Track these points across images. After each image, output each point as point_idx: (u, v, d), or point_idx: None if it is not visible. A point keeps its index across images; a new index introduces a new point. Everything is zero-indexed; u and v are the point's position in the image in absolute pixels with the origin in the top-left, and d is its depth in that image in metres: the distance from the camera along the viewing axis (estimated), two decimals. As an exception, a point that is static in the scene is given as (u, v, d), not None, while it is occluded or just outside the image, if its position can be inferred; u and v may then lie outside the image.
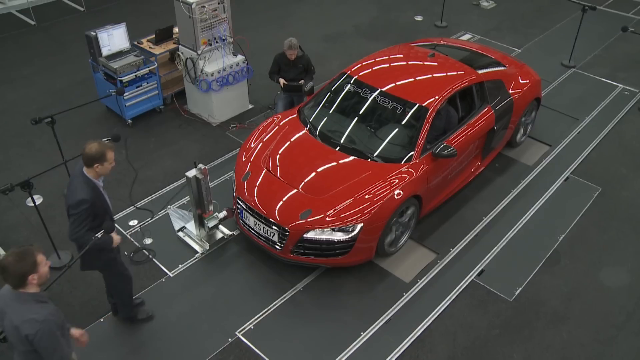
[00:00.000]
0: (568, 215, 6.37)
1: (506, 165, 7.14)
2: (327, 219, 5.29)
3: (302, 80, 7.18)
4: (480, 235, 6.09)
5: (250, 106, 8.33)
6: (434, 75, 6.47)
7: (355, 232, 5.29)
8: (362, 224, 5.28)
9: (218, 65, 7.54)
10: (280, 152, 5.96)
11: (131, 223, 6.18)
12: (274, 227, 5.40)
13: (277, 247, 5.45)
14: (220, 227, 6.01)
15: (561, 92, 8.69)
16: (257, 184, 5.69)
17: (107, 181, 6.75)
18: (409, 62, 6.85)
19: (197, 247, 5.87)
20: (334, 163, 5.77)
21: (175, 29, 8.06)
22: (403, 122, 5.96)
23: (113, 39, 7.41)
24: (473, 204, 6.53)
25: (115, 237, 4.40)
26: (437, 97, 6.02)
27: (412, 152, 5.76)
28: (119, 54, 7.48)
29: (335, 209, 5.33)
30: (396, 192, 5.41)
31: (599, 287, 5.54)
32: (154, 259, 5.73)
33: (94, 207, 4.20)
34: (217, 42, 7.47)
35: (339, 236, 5.29)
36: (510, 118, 6.81)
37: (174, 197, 6.57)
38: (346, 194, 5.42)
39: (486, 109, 6.51)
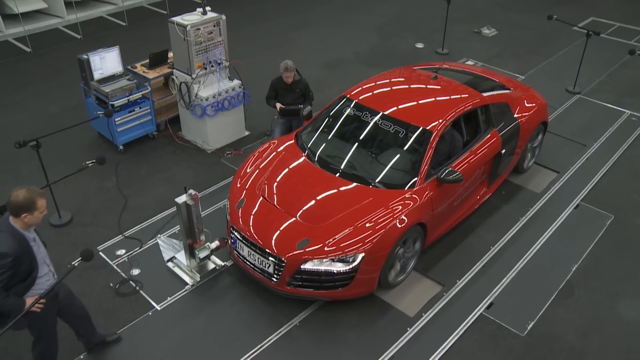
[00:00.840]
0: (580, 244, 6.04)
1: (513, 192, 6.83)
2: (325, 248, 4.95)
3: (301, 105, 6.94)
4: (488, 266, 5.74)
5: (247, 133, 8.08)
6: (437, 98, 6.22)
7: (356, 263, 4.95)
8: (363, 254, 4.94)
9: (213, 89, 7.31)
10: (276, 178, 5.66)
11: (118, 253, 5.84)
12: (269, 257, 5.06)
13: (273, 279, 5.10)
14: (212, 257, 5.66)
15: (567, 118, 8.45)
16: (252, 212, 5.38)
17: (95, 209, 6.51)
18: (411, 85, 6.61)
19: (187, 279, 5.51)
20: (334, 190, 5.47)
21: (170, 54, 7.87)
22: (406, 147, 5.68)
23: (105, 62, 7.20)
24: (480, 232, 6.19)
25: (28, 301, 3.78)
26: (441, 120, 5.75)
27: (415, 178, 5.47)
28: (111, 78, 7.26)
29: (335, 238, 5.00)
30: (399, 219, 5.10)
31: (618, 320, 5.17)
32: (140, 291, 5.37)
33: (17, 263, 3.67)
34: (212, 66, 7.25)
35: (338, 267, 4.95)
36: (517, 142, 6.54)
37: (165, 225, 6.24)
38: (346, 222, 5.10)
39: (492, 132, 6.24)
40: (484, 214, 6.44)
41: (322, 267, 4.96)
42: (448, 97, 6.18)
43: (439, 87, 6.44)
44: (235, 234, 5.36)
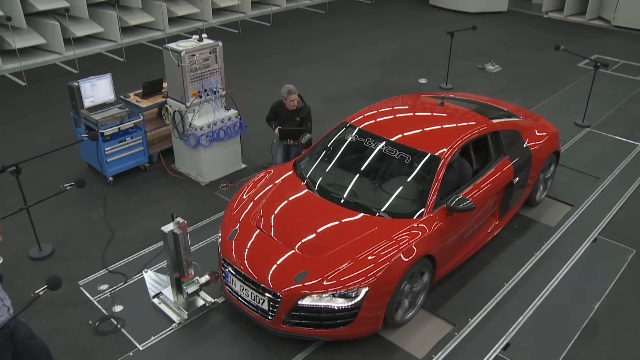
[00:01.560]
0: (601, 279, 5.57)
1: (526, 226, 6.41)
2: (325, 282, 4.50)
3: (301, 127, 6.63)
4: (502, 303, 5.26)
5: (243, 165, 7.72)
6: (444, 125, 5.89)
7: (359, 298, 4.48)
8: (367, 289, 4.48)
9: (208, 118, 6.99)
10: (273, 208, 5.26)
11: (101, 288, 5.38)
12: (263, 292, 4.60)
13: (268, 317, 4.63)
14: (202, 293, 5.20)
15: (578, 151, 8.11)
16: (246, 243, 4.95)
17: (79, 241, 6.08)
18: (417, 112, 6.29)
19: (173, 316, 5.03)
20: (335, 220, 5.06)
21: (165, 84, 7.61)
22: (412, 174, 5.30)
23: (97, 89, 6.92)
24: (492, 268, 5.74)
25: None
26: (449, 146, 5.40)
27: (423, 207, 5.06)
28: (102, 106, 6.96)
29: (336, 271, 4.56)
30: (406, 251, 4.67)
31: (650, 364, 4.67)
32: (122, 329, 4.88)
33: None
34: (207, 95, 6.96)
35: (340, 303, 4.48)
36: (529, 172, 6.16)
37: (152, 260, 5.80)
38: (348, 254, 4.66)
39: (503, 161, 5.87)
40: (496, 249, 6.00)
41: (322, 303, 4.49)
42: (455, 124, 5.85)
43: (445, 114, 6.12)
44: (227, 267, 4.93)
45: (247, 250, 4.89)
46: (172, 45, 6.71)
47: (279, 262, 4.71)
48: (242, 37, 13.60)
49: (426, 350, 4.75)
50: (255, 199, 5.43)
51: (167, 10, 13.17)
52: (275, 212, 5.21)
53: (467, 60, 11.95)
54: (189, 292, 4.97)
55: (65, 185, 4.59)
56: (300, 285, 4.51)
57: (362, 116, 6.06)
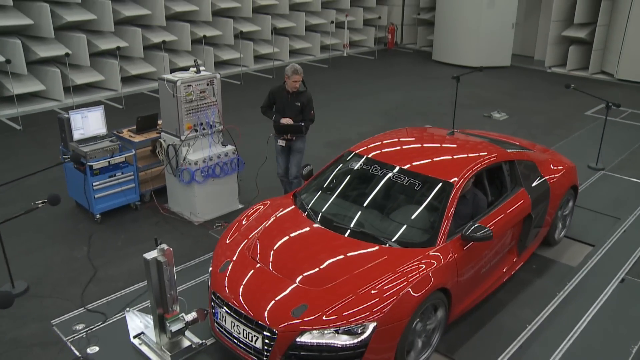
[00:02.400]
0: (636, 321, 4.99)
1: (545, 266, 5.89)
2: (327, 316, 3.96)
3: (302, 123, 6.38)
4: (525, 347, 4.67)
5: (240, 206, 7.27)
6: (456, 153, 5.50)
7: (365, 335, 3.93)
8: (375, 324, 3.94)
9: (204, 153, 6.63)
10: (270, 238, 4.79)
11: (76, 327, 4.82)
12: (256, 329, 4.06)
13: (262, 358, 4.05)
14: (188, 333, 4.63)
15: (594, 193, 7.68)
16: (238, 275, 4.45)
17: (57, 279, 5.53)
18: (425, 141, 5.93)
19: (154, 358, 4.45)
20: (339, 250, 4.57)
21: (160, 122, 7.30)
22: (424, 202, 4.86)
23: (87, 121, 6.59)
24: (511, 309, 5.18)
25: None
26: (462, 172, 4.99)
27: (436, 236, 4.59)
28: (93, 139, 6.62)
29: (340, 304, 4.03)
30: (419, 282, 4.16)
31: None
32: (95, 373, 4.30)
33: None
34: (203, 129, 6.62)
35: (343, 340, 3.93)
36: (547, 206, 5.70)
37: (136, 299, 5.26)
38: (354, 285, 4.15)
39: (520, 192, 5.43)
40: (514, 289, 5.46)
41: (323, 341, 3.94)
42: (467, 154, 5.43)
43: (455, 144, 5.74)
44: (217, 301, 4.40)
45: (239, 282, 4.39)
46: (168, 75, 6.46)
47: (275, 295, 4.19)
48: (243, 87, 13.51)
49: (442, 399, 4.15)
50: (251, 230, 4.96)
51: (169, 61, 13.13)
52: (273, 243, 4.73)
53: (473, 109, 11.74)
54: (173, 331, 4.40)
55: (37, 202, 4.16)
56: (299, 320, 3.97)
57: (366, 147, 5.68)
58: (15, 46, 10.67)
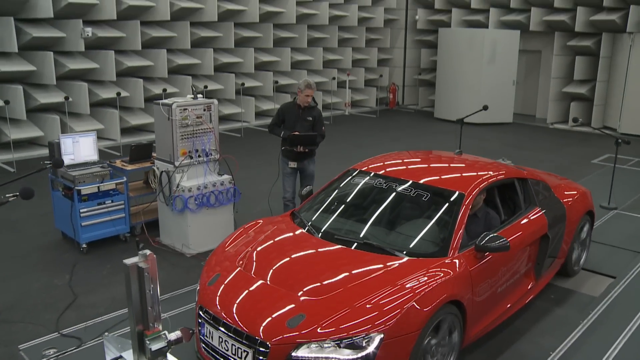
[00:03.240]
0: (671, 350, 4.49)
1: (564, 296, 5.43)
2: (327, 328, 3.51)
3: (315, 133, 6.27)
4: (552, 374, 4.16)
5: (237, 240, 6.87)
6: (465, 170, 5.21)
7: (371, 349, 3.46)
8: (381, 335, 3.48)
9: (198, 181, 6.32)
10: (265, 251, 4.40)
11: (47, 352, 4.32)
12: (247, 342, 3.59)
13: (251, 377, 3.57)
14: (170, 356, 4.11)
15: (609, 229, 7.29)
16: (228, 287, 4.04)
17: (32, 305, 5.04)
18: (432, 160, 5.67)
19: (131, 382, 3.92)
20: (343, 261, 4.18)
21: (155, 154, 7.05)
22: (434, 215, 4.51)
23: (79, 147, 6.34)
24: (531, 337, 4.69)
25: None
26: (474, 184, 4.67)
27: (447, 247, 4.20)
28: (83, 165, 6.33)
29: (342, 312, 3.59)
30: (430, 291, 3.74)
31: None
32: (62, 398, 3.78)
33: None
34: (199, 156, 6.35)
35: (346, 355, 3.45)
36: (564, 228, 5.31)
37: (117, 324, 4.78)
38: (359, 293, 3.73)
39: (534, 210, 5.07)
40: (533, 317, 4.99)
41: (323, 355, 3.46)
42: (476, 171, 5.12)
43: (464, 164, 5.45)
44: (204, 316, 3.94)
45: (229, 294, 3.97)
46: (165, 100, 6.27)
47: (268, 306, 3.76)
48: (244, 139, 13.39)
49: None
50: (246, 245, 4.56)
51: (170, 113, 13.08)
52: (270, 257, 4.33)
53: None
54: (153, 349, 3.86)
55: (7, 195, 3.80)
56: (295, 331, 3.51)
57: (370, 165, 5.37)
58: (17, 92, 10.63)
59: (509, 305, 4.66)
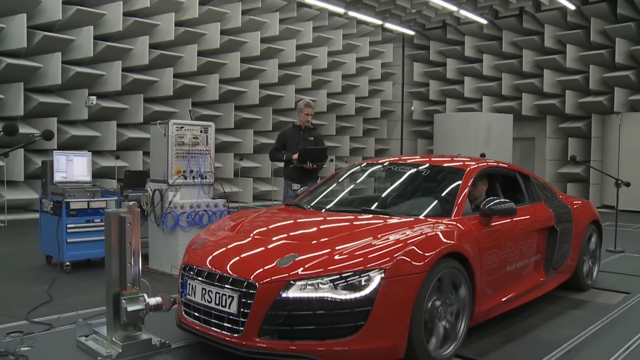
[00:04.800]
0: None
1: (579, 304, 5.03)
2: (321, 264, 3.21)
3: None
4: (574, 352, 3.72)
5: (229, 270, 6.51)
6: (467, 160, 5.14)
7: (371, 288, 3.12)
8: (382, 275, 3.16)
9: (191, 199, 6.14)
10: (258, 219, 4.25)
11: (12, 335, 3.90)
12: (232, 287, 3.26)
13: (238, 329, 3.18)
14: (149, 332, 3.72)
15: (618, 265, 6.97)
16: (215, 243, 3.78)
17: (2, 304, 4.65)
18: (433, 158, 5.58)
19: (100, 350, 3.50)
20: (341, 222, 4.01)
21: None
22: (437, 187, 4.42)
23: (72, 166, 6.21)
24: (548, 327, 4.28)
25: None
26: (476, 165, 4.57)
27: (451, 209, 4.02)
28: (74, 184, 6.15)
29: (338, 251, 3.31)
30: (434, 236, 3.49)
31: None
32: (21, 363, 3.34)
33: None
34: (193, 177, 6.23)
35: (342, 295, 3.11)
36: (571, 229, 5.05)
37: (95, 317, 4.36)
38: (357, 237, 3.50)
39: (540, 203, 4.89)
40: (548, 315, 4.59)
41: (315, 295, 3.12)
42: (477, 163, 5.02)
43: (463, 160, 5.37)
44: (188, 274, 3.61)
45: (216, 248, 3.69)
46: (161, 121, 6.28)
47: (258, 251, 3.49)
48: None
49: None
50: (235, 220, 4.33)
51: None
52: (264, 223, 4.11)
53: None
54: (129, 310, 3.52)
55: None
56: (286, 272, 3.20)
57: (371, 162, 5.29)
58: (16, 154, 10.70)
59: (520, 292, 4.30)
